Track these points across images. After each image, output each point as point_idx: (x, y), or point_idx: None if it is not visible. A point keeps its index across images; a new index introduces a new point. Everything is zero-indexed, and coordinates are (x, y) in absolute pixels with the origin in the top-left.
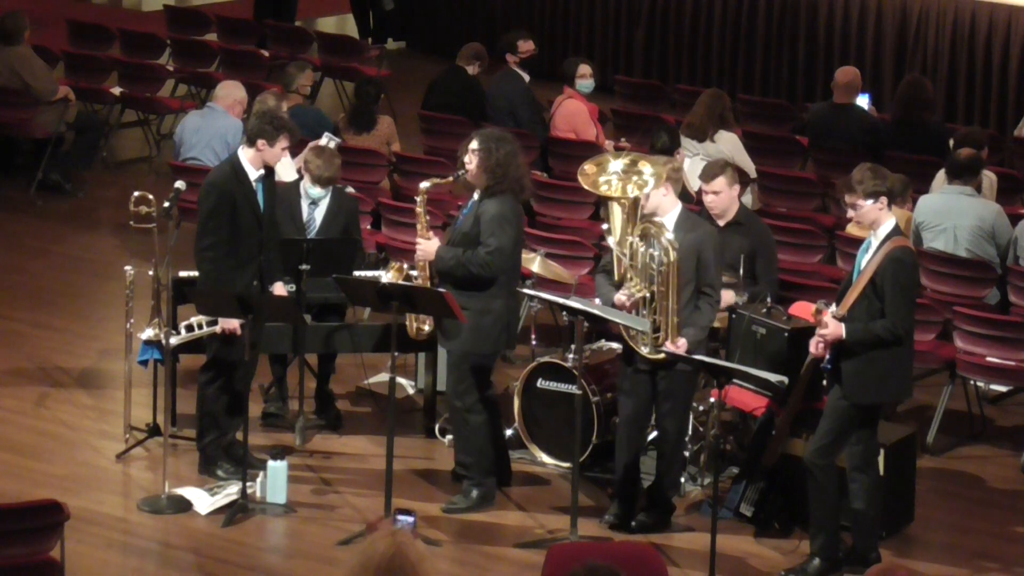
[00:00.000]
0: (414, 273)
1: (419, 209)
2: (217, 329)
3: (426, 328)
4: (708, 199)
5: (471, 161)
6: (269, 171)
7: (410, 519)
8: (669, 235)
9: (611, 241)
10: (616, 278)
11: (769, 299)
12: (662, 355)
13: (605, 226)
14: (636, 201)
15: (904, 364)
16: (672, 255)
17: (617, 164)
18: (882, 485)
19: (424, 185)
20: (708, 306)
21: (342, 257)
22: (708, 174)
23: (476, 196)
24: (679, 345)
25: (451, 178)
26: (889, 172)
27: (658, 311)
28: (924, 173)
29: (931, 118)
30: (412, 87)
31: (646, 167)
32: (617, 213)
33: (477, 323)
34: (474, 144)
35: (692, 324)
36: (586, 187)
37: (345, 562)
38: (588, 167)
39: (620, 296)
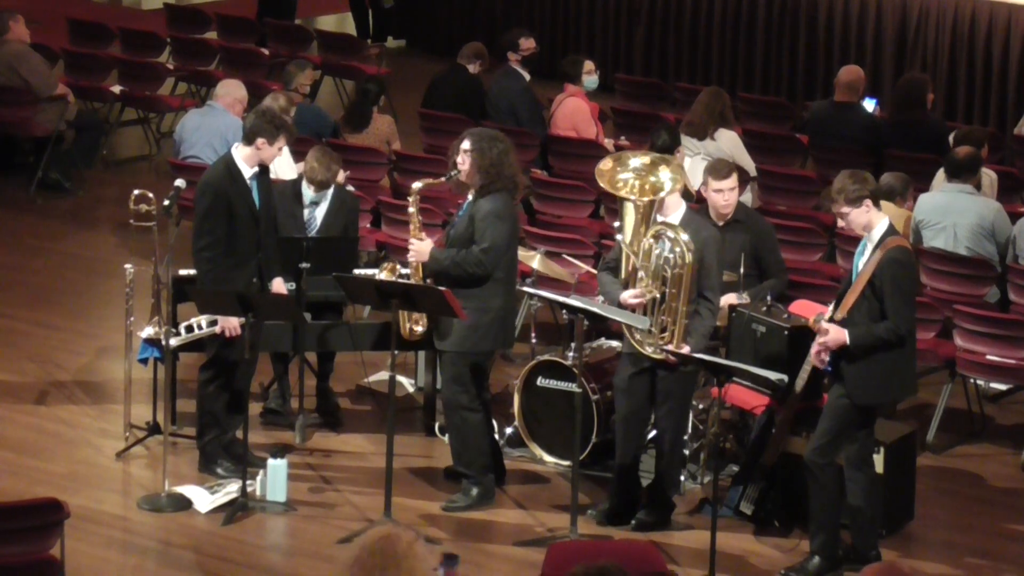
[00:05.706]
0: (406, 271)
1: (412, 209)
2: (217, 330)
3: (419, 329)
4: (725, 197)
5: (464, 162)
6: (264, 168)
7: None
8: (685, 236)
9: (621, 239)
10: (623, 276)
11: (770, 297)
12: (662, 354)
13: (616, 223)
14: (651, 204)
15: (907, 363)
16: (689, 257)
17: (636, 162)
18: (881, 483)
19: (416, 186)
20: (708, 312)
21: (342, 255)
22: (722, 171)
23: (471, 196)
24: (684, 352)
25: (443, 179)
26: (870, 174)
27: (666, 313)
28: (924, 172)
29: (930, 116)
30: (412, 85)
31: (665, 171)
32: (630, 212)
33: (476, 322)
34: (466, 144)
35: (693, 330)
36: (601, 184)
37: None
38: (606, 163)
39: (628, 296)
